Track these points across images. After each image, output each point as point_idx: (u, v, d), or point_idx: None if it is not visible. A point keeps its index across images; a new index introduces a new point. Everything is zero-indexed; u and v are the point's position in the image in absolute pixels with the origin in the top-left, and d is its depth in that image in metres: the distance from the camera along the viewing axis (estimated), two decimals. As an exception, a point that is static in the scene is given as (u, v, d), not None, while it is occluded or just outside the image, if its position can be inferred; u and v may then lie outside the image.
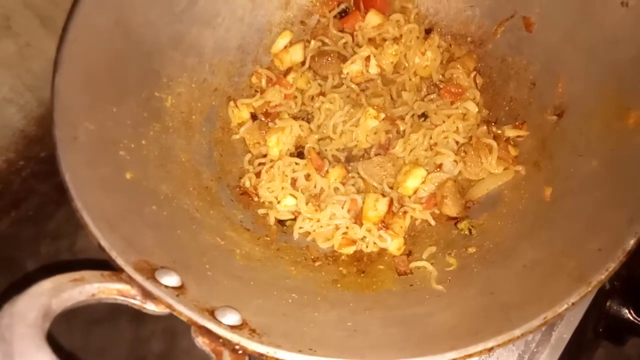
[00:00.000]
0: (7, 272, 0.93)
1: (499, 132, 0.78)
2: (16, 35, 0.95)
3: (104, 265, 0.57)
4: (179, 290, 0.55)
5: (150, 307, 0.54)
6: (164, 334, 0.86)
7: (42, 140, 1.06)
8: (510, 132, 0.77)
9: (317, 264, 0.73)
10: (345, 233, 0.75)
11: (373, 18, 0.86)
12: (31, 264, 0.95)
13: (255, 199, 0.79)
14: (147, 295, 0.53)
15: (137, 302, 0.53)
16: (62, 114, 0.63)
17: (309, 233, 0.77)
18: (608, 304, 0.81)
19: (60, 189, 1.01)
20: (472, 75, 0.82)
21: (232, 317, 0.53)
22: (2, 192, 1.02)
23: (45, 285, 0.45)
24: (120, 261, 0.54)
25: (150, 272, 0.54)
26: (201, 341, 0.52)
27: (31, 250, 0.95)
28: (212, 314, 0.53)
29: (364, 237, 0.75)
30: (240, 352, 0.51)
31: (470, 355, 0.50)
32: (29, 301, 0.42)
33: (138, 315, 0.85)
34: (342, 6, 0.89)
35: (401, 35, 0.85)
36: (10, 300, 0.43)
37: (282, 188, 0.78)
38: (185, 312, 0.52)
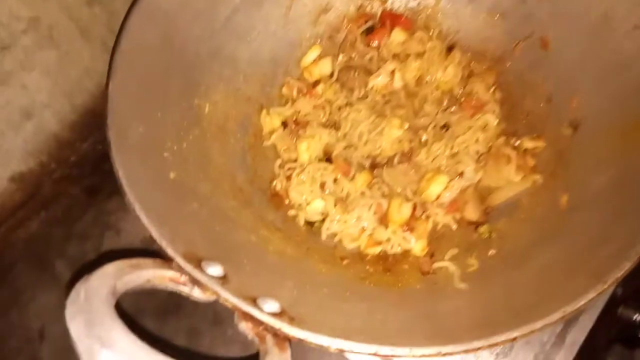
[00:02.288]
0: (37, 270, 0.98)
1: (517, 143, 0.82)
2: (58, 45, 1.01)
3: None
4: (223, 279, 0.59)
5: (197, 294, 0.58)
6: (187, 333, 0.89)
7: (74, 145, 1.11)
8: (527, 144, 0.82)
9: (345, 262, 0.77)
10: (371, 234, 0.79)
11: (398, 35, 0.92)
12: (59, 264, 0.98)
13: (286, 201, 0.84)
14: (195, 282, 0.58)
15: (186, 289, 0.58)
16: (114, 117, 0.68)
17: (336, 234, 0.81)
18: (620, 310, 0.85)
19: (89, 192, 1.06)
20: (491, 90, 0.87)
21: (272, 305, 0.58)
22: (34, 194, 1.06)
23: (110, 268, 0.49)
24: (170, 251, 0.58)
25: (197, 262, 0.59)
26: (245, 326, 0.56)
27: (59, 250, 0.98)
28: (254, 301, 0.57)
29: (389, 238, 0.79)
30: (281, 337, 0.55)
31: (494, 345, 0.54)
32: (100, 280, 0.47)
33: (160, 315, 0.87)
34: (369, 23, 0.94)
35: (424, 52, 0.91)
36: (82, 279, 0.47)
37: (312, 191, 0.82)
38: (231, 299, 0.56)
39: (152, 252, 0.59)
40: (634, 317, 0.83)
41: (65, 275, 0.96)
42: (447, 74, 0.89)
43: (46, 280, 0.97)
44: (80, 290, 0.45)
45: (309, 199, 0.82)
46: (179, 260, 0.57)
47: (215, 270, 0.59)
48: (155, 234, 0.59)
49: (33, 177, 1.07)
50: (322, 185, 0.83)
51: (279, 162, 0.87)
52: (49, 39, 0.99)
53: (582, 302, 0.56)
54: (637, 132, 0.67)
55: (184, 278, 0.57)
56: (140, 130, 0.70)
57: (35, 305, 0.92)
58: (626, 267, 0.58)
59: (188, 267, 0.57)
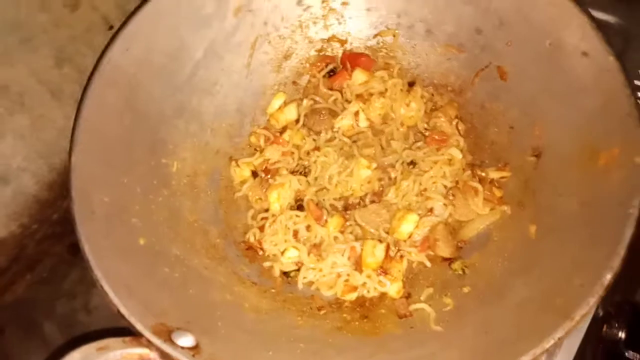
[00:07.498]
0: (26, 335, 0.97)
1: (483, 174, 0.83)
2: (30, 109, 1.01)
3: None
4: (195, 350, 0.59)
5: (169, 368, 0.58)
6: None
7: (54, 204, 1.11)
8: (493, 174, 0.83)
9: (322, 312, 0.77)
10: (346, 280, 0.79)
11: (359, 76, 0.93)
12: (48, 325, 0.98)
13: (260, 252, 0.84)
14: (166, 357, 0.58)
15: (156, 364, 0.58)
16: (79, 190, 0.68)
17: (313, 282, 0.81)
18: (604, 329, 0.85)
19: (73, 250, 1.05)
20: (455, 123, 0.88)
21: (245, 373, 0.58)
22: (17, 257, 1.06)
23: (75, 357, 0.49)
24: (139, 327, 0.58)
25: (167, 335, 0.59)
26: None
27: (48, 311, 0.98)
28: (226, 370, 0.57)
29: (365, 283, 0.79)
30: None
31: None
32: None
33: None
34: (330, 66, 0.95)
35: (386, 90, 0.92)
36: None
37: (285, 240, 0.82)
38: (202, 371, 0.56)
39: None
40: (618, 335, 0.83)
41: (55, 336, 0.96)
42: (410, 110, 0.90)
43: (36, 343, 0.97)
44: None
45: (282, 249, 0.82)
46: (148, 335, 0.58)
47: (187, 340, 0.59)
48: (123, 310, 0.59)
49: (15, 240, 1.07)
50: (295, 234, 0.83)
51: (251, 212, 0.88)
52: (19, 105, 1.00)
53: (551, 342, 0.57)
54: (592, 162, 0.68)
55: (153, 354, 0.57)
56: (106, 200, 0.70)
57: (26, 370, 0.92)
58: (592, 302, 0.58)
59: (157, 342, 0.57)
